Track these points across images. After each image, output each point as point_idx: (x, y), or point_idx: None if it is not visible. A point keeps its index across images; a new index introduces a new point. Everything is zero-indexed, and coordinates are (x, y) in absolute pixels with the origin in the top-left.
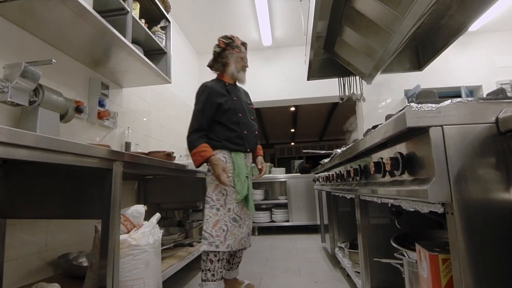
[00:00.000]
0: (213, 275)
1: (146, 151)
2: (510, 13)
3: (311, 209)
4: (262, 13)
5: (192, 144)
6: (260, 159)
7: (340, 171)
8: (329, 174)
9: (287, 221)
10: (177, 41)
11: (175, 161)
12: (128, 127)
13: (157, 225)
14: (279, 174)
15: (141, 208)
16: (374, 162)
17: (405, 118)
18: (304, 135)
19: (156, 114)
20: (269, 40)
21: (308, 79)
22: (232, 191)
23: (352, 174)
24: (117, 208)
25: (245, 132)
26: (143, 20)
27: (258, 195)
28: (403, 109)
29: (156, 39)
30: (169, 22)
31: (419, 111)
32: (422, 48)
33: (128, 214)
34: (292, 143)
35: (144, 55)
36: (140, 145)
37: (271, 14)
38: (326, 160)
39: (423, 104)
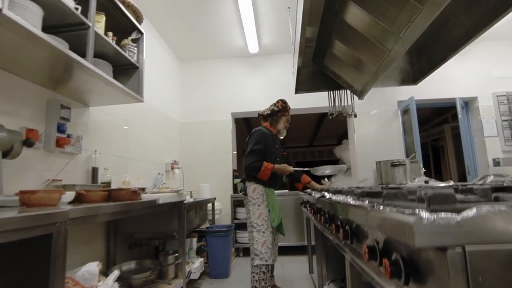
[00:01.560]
0: (265, 283)
1: (117, 176)
2: (507, 22)
3: (299, 229)
4: (248, 19)
5: (256, 167)
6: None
7: (328, 216)
8: (317, 208)
9: None
10: (157, 48)
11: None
12: (96, 151)
13: (116, 284)
14: None
15: (94, 268)
16: (368, 247)
17: (414, 236)
18: (293, 140)
19: (131, 131)
20: (255, 47)
21: (296, 92)
22: (268, 218)
23: (341, 232)
24: (59, 275)
25: (279, 173)
26: (110, 34)
27: (242, 213)
28: (410, 215)
29: (126, 53)
30: (142, 33)
31: (433, 225)
32: (418, 61)
33: (78, 277)
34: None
35: (114, 70)
36: (112, 168)
37: (257, 20)
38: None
39: (438, 214)
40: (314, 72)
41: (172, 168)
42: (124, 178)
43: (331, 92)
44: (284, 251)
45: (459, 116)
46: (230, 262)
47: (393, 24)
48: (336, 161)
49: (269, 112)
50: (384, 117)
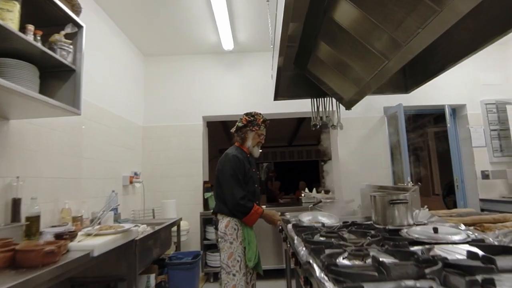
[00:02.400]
0: None
1: (53, 204)
2: None
3: (278, 250)
4: (221, 12)
5: (246, 208)
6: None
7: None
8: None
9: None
10: (115, 42)
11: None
12: (18, 177)
13: None
14: None
15: None
16: None
17: None
18: (272, 140)
19: (76, 143)
20: (230, 44)
21: (276, 98)
22: (244, 256)
23: None
24: None
25: (257, 201)
26: (30, 27)
27: (213, 232)
28: None
29: (56, 53)
30: (80, 27)
31: None
32: (412, 70)
33: None
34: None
35: (44, 73)
36: (45, 195)
37: (231, 14)
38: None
39: None
40: (296, 76)
41: (131, 183)
42: (63, 205)
43: (315, 100)
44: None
45: (448, 125)
46: None
47: (397, 28)
48: (315, 162)
49: (234, 129)
50: (370, 125)
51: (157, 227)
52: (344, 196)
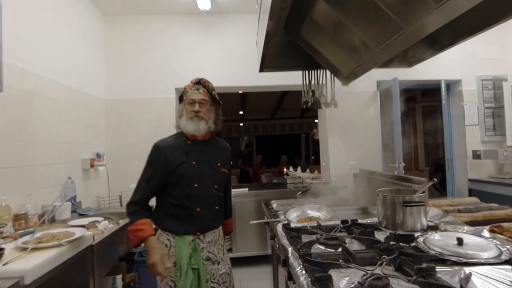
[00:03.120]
0: None
1: None
2: None
3: (261, 236)
4: None
5: (129, 219)
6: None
7: None
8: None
9: (229, 250)
10: (69, 0)
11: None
12: None
13: None
14: None
15: None
16: None
17: None
18: (253, 112)
19: (15, 124)
20: (207, 3)
21: (262, 70)
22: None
23: None
24: None
25: (198, 209)
26: None
27: None
28: None
29: None
30: None
31: None
32: (418, 43)
33: None
34: (241, 124)
35: None
36: None
37: None
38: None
39: None
40: (286, 44)
41: (92, 166)
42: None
43: (306, 72)
44: (243, 261)
45: (443, 101)
46: None
47: None
48: (297, 135)
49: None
50: (361, 100)
51: (122, 221)
52: (332, 176)
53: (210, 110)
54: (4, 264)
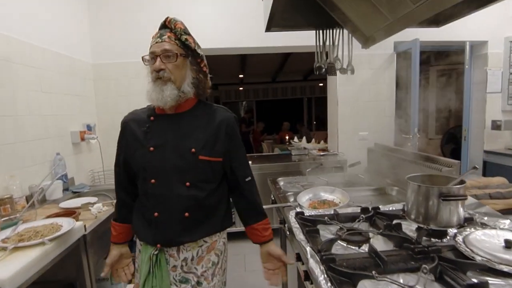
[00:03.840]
0: None
1: None
2: None
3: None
4: None
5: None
6: (268, 248)
7: None
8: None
9: (233, 223)
10: None
11: None
12: None
13: None
14: None
15: None
16: None
17: None
18: (254, 75)
19: None
20: None
21: (268, 29)
22: None
23: None
24: None
25: (156, 213)
26: None
27: None
28: None
29: None
30: None
31: None
32: None
33: None
34: (241, 88)
35: None
36: None
37: None
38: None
39: None
40: None
41: (83, 139)
42: None
43: (320, 32)
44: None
45: (466, 66)
46: None
47: None
48: (299, 99)
49: None
50: (376, 64)
51: None
52: (340, 148)
53: (183, 66)
54: None
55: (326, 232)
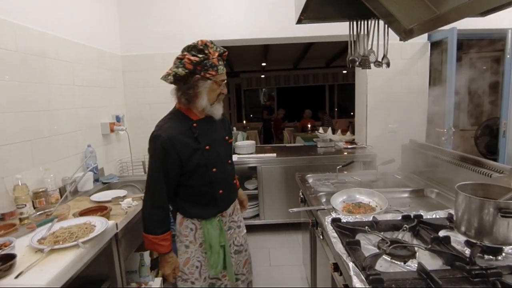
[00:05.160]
0: None
1: None
2: None
3: (290, 203)
4: None
5: (149, 228)
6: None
7: None
8: None
9: (257, 216)
10: None
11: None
12: None
13: None
14: (247, 155)
15: None
16: None
17: None
18: (275, 62)
19: (22, 94)
20: None
21: (299, 22)
22: (205, 260)
23: None
24: None
25: (221, 191)
26: None
27: None
28: None
29: None
30: None
31: None
32: None
33: None
34: (262, 76)
35: None
36: None
37: None
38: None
39: None
40: None
41: (112, 131)
42: (14, 181)
43: (354, 23)
44: (271, 228)
45: (507, 56)
46: None
47: None
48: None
49: (171, 79)
50: (408, 53)
51: None
52: (369, 141)
53: None
54: (16, 276)
55: (366, 243)
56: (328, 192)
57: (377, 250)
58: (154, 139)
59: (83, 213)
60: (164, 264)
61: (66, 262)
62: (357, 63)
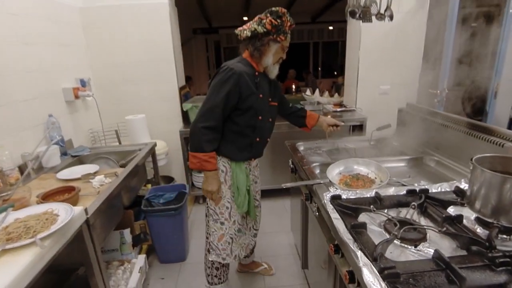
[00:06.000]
0: (219, 278)
1: None
2: None
3: (277, 169)
4: None
5: (199, 145)
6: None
7: None
8: None
9: None
10: None
11: None
12: None
13: None
14: None
15: None
16: None
17: None
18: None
19: None
20: None
21: None
22: (233, 203)
23: None
24: None
25: (258, 139)
26: None
27: None
28: None
29: None
30: None
31: None
32: None
33: None
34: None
35: None
36: None
37: None
38: None
39: None
40: None
41: (77, 97)
42: None
43: None
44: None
45: (510, 10)
46: (187, 241)
47: None
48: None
49: (248, 34)
50: (405, 6)
51: (121, 170)
52: (358, 103)
53: None
54: None
55: (370, 222)
56: (322, 163)
57: (383, 231)
58: (227, 70)
59: (47, 196)
60: (211, 181)
61: (21, 265)
62: (357, 15)
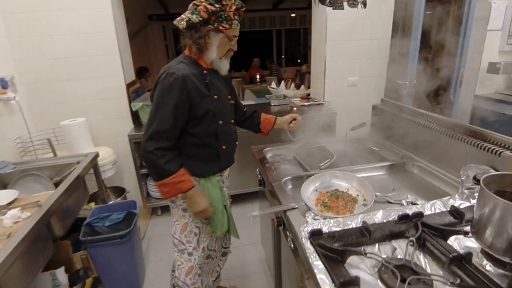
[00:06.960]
0: None
1: None
2: None
3: (248, 173)
4: None
5: (161, 170)
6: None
7: None
8: None
9: None
10: None
11: None
12: None
13: None
14: None
15: None
16: None
17: None
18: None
19: None
20: None
21: None
22: (205, 225)
23: None
24: None
25: (224, 146)
26: None
27: None
28: None
29: None
30: None
31: None
32: None
33: None
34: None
35: None
36: None
37: None
38: None
39: None
40: None
41: None
42: None
43: None
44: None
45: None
46: (141, 268)
47: None
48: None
49: (184, 24)
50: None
51: (48, 198)
52: (326, 96)
53: None
54: None
55: (362, 268)
56: (294, 176)
57: (378, 282)
58: (168, 76)
59: None
60: (197, 199)
61: None
62: (328, 1)
